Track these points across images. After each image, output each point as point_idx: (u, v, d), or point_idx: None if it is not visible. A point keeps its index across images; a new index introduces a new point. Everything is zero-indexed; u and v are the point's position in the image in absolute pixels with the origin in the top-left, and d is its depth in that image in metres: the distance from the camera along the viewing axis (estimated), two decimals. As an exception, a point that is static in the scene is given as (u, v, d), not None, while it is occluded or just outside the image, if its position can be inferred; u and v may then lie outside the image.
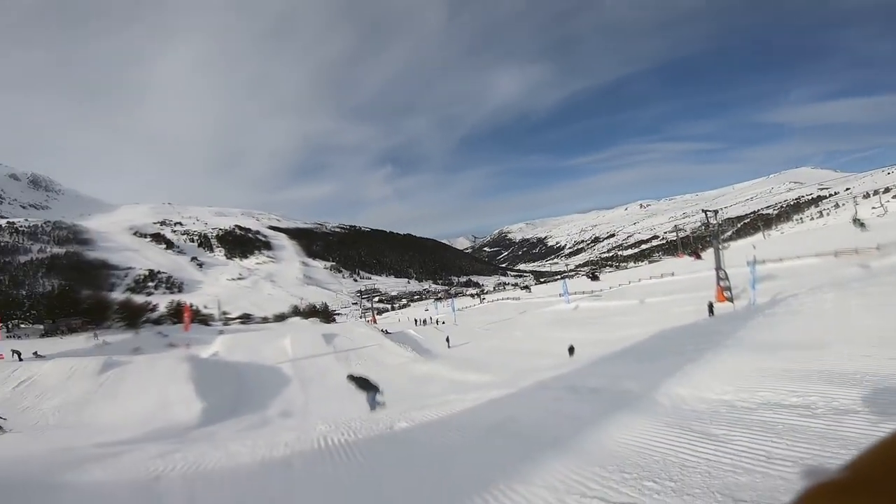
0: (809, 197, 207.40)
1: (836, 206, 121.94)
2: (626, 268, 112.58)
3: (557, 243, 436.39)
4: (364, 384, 10.10)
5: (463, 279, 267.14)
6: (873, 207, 71.61)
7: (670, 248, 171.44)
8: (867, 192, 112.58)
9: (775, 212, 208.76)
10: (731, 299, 24.02)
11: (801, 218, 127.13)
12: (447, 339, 30.77)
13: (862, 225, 46.38)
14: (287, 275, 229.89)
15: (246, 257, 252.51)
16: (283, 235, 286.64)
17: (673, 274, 45.62)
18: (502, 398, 7.42)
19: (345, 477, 4.47)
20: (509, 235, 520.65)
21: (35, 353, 24.59)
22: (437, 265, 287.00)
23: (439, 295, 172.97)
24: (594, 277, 70.11)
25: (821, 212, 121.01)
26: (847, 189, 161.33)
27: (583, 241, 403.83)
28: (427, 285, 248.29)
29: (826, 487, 0.49)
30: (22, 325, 41.58)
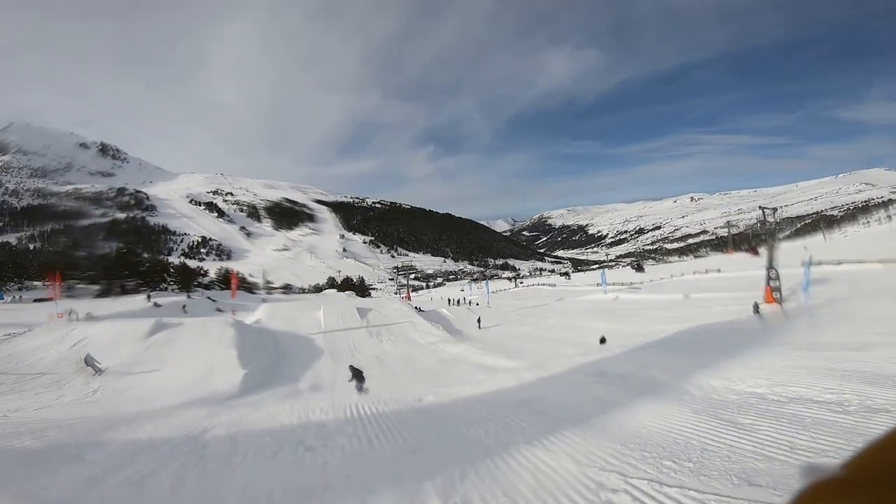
0: (880, 200, 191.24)
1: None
2: (670, 262, 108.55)
3: (599, 232, 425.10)
4: (357, 374, 12.01)
5: (499, 262, 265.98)
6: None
7: (719, 244, 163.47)
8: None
9: (840, 213, 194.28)
10: (779, 301, 22.85)
11: (867, 221, 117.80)
12: (478, 320, 30.88)
13: None
14: (327, 247, 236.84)
15: (291, 229, 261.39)
16: (325, 209, 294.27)
17: (719, 270, 43.86)
18: (530, 379, 7.54)
19: (373, 435, 4.77)
20: (549, 221, 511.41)
21: (88, 314, 25.28)
22: (475, 246, 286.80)
23: (475, 276, 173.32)
24: (639, 269, 67.98)
25: (889, 216, 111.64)
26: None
27: (626, 232, 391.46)
28: (463, 266, 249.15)
29: (825, 486, 0.49)
30: (79, 286, 44.30)
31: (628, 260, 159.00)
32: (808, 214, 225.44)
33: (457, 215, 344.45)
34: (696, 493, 2.60)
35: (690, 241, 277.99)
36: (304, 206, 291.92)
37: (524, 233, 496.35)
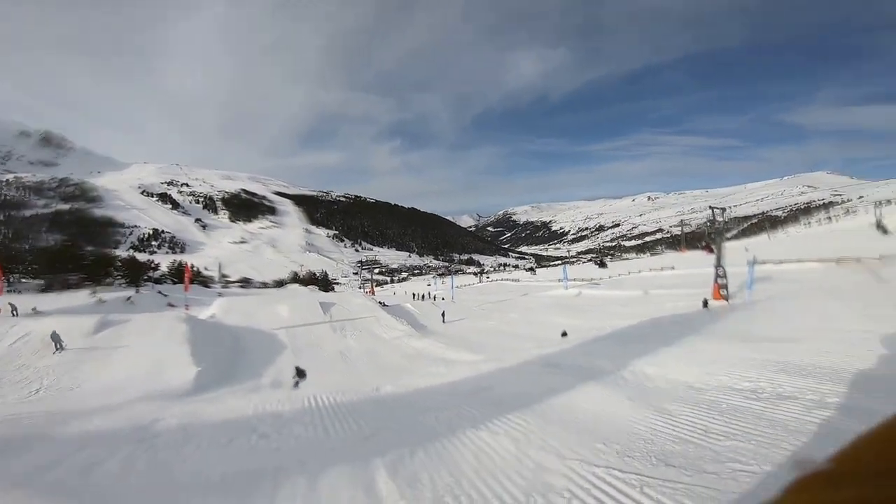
0: (821, 202, 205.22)
1: (847, 212, 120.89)
2: (628, 259, 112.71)
3: (561, 228, 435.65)
4: (301, 373, 13.14)
5: (464, 257, 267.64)
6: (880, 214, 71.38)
7: (673, 243, 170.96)
8: (880, 201, 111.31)
9: (784, 214, 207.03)
10: (726, 297, 24.24)
11: (808, 222, 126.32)
12: (443, 315, 31.13)
13: (885, 230, 46.29)
14: (289, 241, 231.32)
15: (250, 221, 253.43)
16: (288, 201, 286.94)
17: (673, 268, 45.87)
18: (487, 371, 7.77)
19: (329, 423, 4.85)
20: (514, 217, 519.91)
21: (34, 309, 24.10)
22: (440, 241, 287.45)
23: (440, 271, 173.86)
24: (602, 265, 70.39)
25: (829, 217, 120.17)
26: (860, 196, 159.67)
27: (587, 229, 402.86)
28: (428, 260, 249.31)
29: (812, 479, 0.50)
30: (22, 280, 41.65)
31: (588, 256, 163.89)
32: (754, 215, 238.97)
33: (422, 210, 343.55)
34: (620, 472, 2.86)
35: (647, 238, 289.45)
36: (263, 198, 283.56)
37: (489, 228, 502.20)
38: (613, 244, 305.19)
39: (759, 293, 19.30)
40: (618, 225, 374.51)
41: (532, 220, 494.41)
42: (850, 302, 8.92)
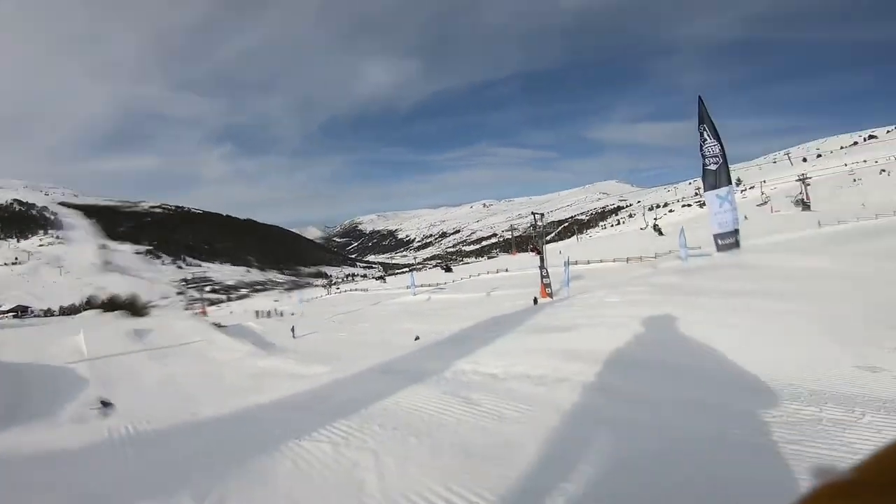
0: (612, 207, 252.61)
1: (630, 216, 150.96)
2: (468, 263, 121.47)
3: (407, 236, 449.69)
4: (106, 404, 12.46)
5: (312, 269, 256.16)
6: (655, 218, 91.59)
7: (506, 246, 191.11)
8: (651, 206, 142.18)
9: (587, 218, 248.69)
10: (551, 294, 28.07)
11: (604, 225, 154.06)
12: (292, 330, 29.59)
13: (660, 232, 59.46)
14: (79, 260, 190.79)
15: (25, 238, 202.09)
16: (77, 213, 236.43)
17: (507, 270, 50.97)
18: (329, 382, 7.74)
19: (132, 454, 4.42)
20: (360, 226, 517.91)
21: None
22: (284, 254, 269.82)
23: (287, 285, 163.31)
24: (448, 269, 73.98)
25: (619, 220, 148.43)
26: (639, 201, 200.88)
27: (431, 236, 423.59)
28: (272, 275, 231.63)
29: (833, 488, 0.50)
30: None
31: (434, 262, 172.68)
32: (566, 219, 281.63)
33: (261, 221, 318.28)
34: (427, 466, 3.26)
35: (484, 243, 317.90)
36: (44, 209, 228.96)
37: (336, 239, 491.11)
38: (455, 249, 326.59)
39: (574, 289, 22.80)
40: (458, 231, 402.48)
41: (379, 228, 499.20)
42: (620, 293, 11.32)
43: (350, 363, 16.11)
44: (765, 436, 3.11)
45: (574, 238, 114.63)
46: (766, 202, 73.57)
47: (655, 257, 34.94)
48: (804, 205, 59.50)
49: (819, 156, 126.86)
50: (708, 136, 12.51)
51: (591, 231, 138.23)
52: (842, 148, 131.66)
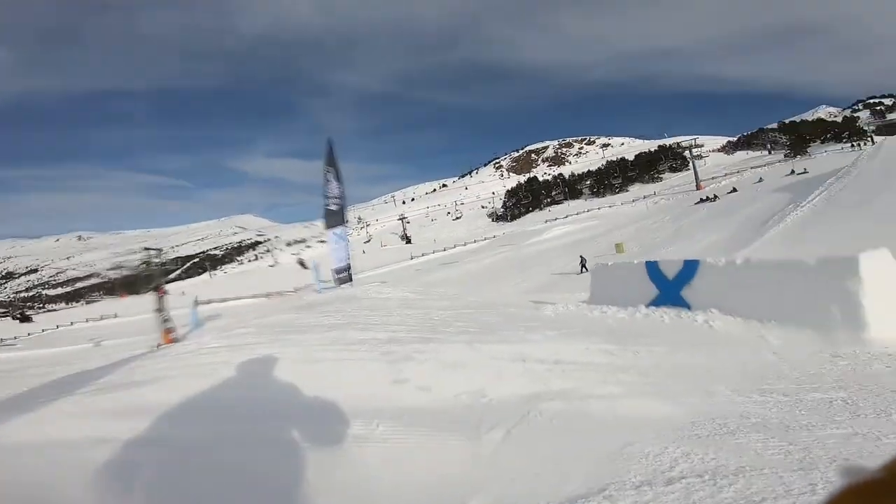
0: (250, 241, 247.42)
1: (268, 251, 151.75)
2: (55, 310, 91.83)
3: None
4: None
5: None
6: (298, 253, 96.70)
7: (112, 288, 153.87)
8: (291, 240, 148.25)
9: (222, 253, 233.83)
10: (176, 339, 24.78)
11: (241, 260, 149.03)
12: None
13: (304, 266, 62.27)
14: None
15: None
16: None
17: (116, 315, 42.04)
18: None
19: None
20: None
21: None
22: None
23: None
24: (25, 319, 59.17)
25: (256, 256, 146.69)
26: (277, 237, 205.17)
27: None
28: None
29: (862, 487, 0.49)
30: None
31: (8, 310, 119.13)
32: (196, 254, 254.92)
33: None
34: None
35: (79, 284, 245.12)
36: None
37: None
38: (32, 294, 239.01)
39: (210, 330, 21.00)
40: (36, 270, 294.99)
41: None
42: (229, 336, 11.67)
43: None
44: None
45: (206, 275, 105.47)
46: (369, 240, 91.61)
47: (294, 291, 36.81)
48: (407, 239, 78.51)
49: (413, 199, 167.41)
50: (332, 178, 13.82)
51: (228, 267, 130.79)
52: (426, 193, 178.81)
